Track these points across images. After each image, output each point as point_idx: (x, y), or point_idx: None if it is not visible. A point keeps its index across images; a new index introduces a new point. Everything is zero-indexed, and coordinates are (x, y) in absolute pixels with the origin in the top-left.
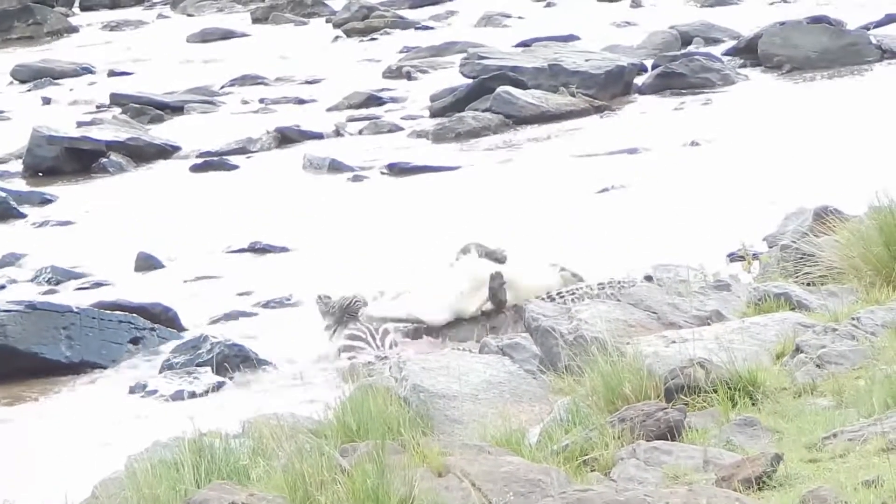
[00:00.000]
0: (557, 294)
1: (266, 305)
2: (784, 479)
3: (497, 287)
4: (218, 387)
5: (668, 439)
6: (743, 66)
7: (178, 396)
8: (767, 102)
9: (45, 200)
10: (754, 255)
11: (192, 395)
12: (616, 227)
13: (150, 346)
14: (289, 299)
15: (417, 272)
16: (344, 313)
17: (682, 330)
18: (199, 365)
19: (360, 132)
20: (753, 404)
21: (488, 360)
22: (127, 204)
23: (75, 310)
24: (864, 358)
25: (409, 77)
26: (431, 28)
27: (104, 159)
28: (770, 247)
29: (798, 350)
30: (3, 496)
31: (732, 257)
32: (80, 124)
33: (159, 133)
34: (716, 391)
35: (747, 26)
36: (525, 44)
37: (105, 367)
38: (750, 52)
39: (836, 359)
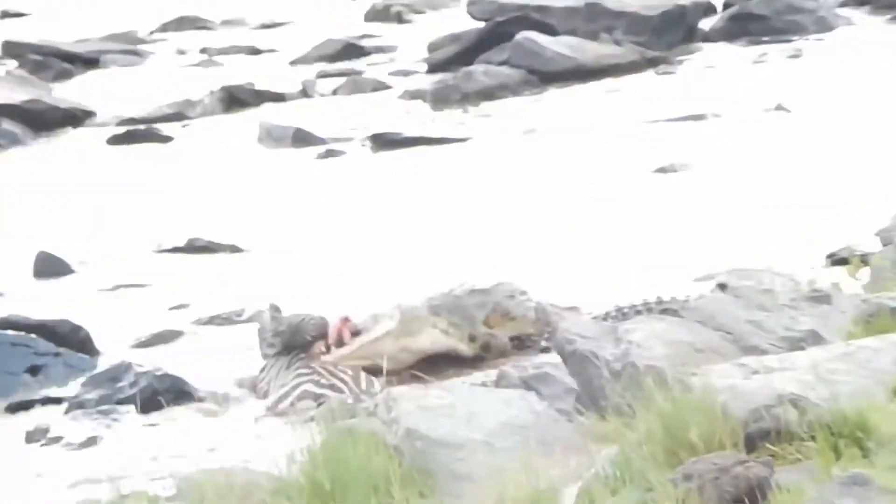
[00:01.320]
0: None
1: (209, 322)
2: None
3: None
4: (144, 432)
5: (749, 503)
6: (844, 5)
7: (90, 445)
8: (876, 54)
9: None
10: (863, 256)
11: (110, 443)
12: (675, 218)
13: (54, 377)
14: (239, 315)
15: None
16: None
17: (768, 356)
18: (119, 402)
19: (335, 92)
20: (864, 456)
21: (508, 397)
22: (24, 187)
23: None
24: None
25: (400, 19)
26: None
27: None
28: (884, 245)
29: None
30: None
31: (833, 259)
32: None
33: (67, 93)
34: (813, 438)
35: None
36: None
37: None
38: None
39: None
